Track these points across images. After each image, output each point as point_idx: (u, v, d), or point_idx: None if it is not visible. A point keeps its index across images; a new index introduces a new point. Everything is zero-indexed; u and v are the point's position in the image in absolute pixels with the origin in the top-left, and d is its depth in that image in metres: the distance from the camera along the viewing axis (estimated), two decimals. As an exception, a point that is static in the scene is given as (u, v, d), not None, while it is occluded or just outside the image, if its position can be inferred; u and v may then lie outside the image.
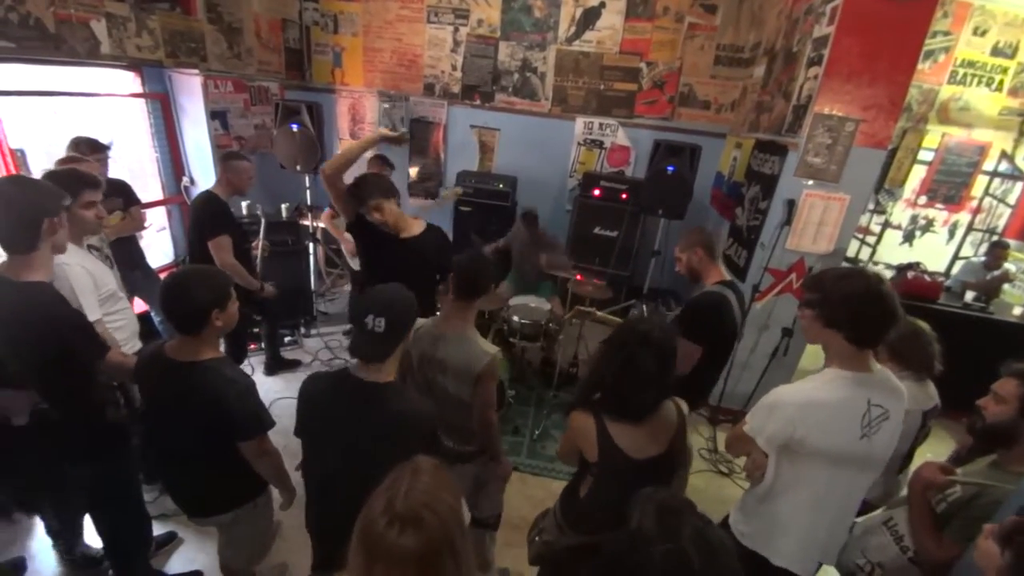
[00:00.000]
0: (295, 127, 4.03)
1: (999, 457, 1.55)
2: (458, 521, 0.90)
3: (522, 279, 4.21)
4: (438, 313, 2.10)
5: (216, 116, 4.13)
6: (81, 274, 1.81)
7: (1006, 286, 4.52)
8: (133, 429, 1.94)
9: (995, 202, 5.23)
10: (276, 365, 3.80)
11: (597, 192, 4.71)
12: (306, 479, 1.56)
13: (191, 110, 4.05)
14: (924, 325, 2.03)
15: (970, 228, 5.34)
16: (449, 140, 5.35)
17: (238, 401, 1.48)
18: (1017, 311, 4.20)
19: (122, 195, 3.03)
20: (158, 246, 4.16)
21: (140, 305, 3.11)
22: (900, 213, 5.36)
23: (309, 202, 4.37)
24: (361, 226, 2.47)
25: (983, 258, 4.70)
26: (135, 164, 3.97)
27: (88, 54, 3.05)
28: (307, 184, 4.41)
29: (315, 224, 4.42)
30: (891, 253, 5.39)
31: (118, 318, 2.02)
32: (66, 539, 2.21)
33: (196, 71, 3.88)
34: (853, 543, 1.77)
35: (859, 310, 1.36)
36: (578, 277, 3.83)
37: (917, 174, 5.13)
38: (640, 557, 0.83)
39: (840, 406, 1.41)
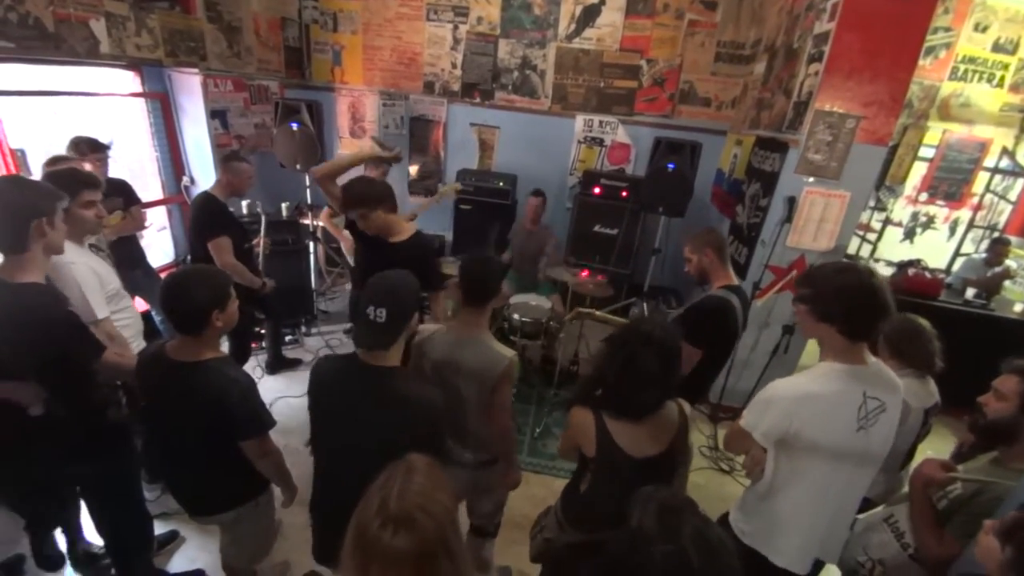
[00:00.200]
0: (295, 126, 4.03)
1: (1000, 454, 1.55)
2: (453, 521, 0.90)
3: (522, 277, 4.22)
4: (428, 316, 2.10)
5: (216, 115, 4.13)
6: (87, 273, 1.81)
7: (1007, 283, 4.51)
8: (135, 428, 1.95)
9: (996, 199, 5.22)
10: (278, 364, 3.80)
11: (597, 190, 4.70)
12: (315, 456, 1.61)
13: (191, 109, 4.05)
14: (925, 323, 2.03)
15: (971, 225, 5.33)
16: (449, 138, 5.35)
17: (239, 401, 1.49)
18: (1018, 308, 4.20)
19: (122, 195, 3.04)
20: (159, 245, 4.16)
21: (141, 304, 3.11)
22: (901, 210, 5.35)
23: (309, 201, 4.37)
24: (354, 225, 2.50)
25: (984, 255, 4.70)
26: (135, 164, 3.97)
27: (87, 53, 3.05)
28: (307, 183, 4.41)
29: (315, 223, 4.42)
30: (892, 250, 5.38)
31: (123, 316, 2.03)
32: (44, 536, 2.21)
33: (196, 70, 3.88)
34: (854, 540, 1.77)
35: (851, 303, 1.38)
36: (584, 273, 3.83)
37: (918, 171, 5.12)
38: (640, 557, 0.84)
39: (835, 398, 1.42)
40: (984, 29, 4.58)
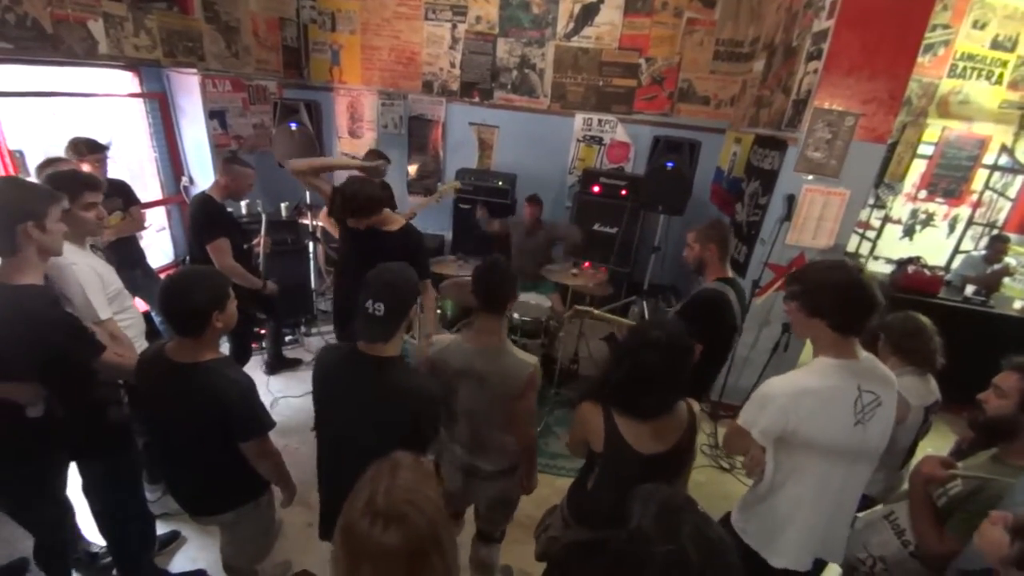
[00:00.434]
0: (294, 126, 4.03)
1: (1000, 451, 1.56)
2: (442, 515, 0.91)
3: (521, 276, 4.21)
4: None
5: (214, 115, 4.13)
6: (89, 274, 1.82)
7: (1006, 280, 4.51)
8: (137, 428, 1.95)
9: (995, 196, 5.22)
10: (278, 364, 3.81)
11: (596, 188, 4.71)
12: (318, 440, 1.65)
13: (189, 109, 4.05)
14: (925, 320, 2.03)
15: (970, 222, 5.33)
16: (448, 138, 5.34)
17: (238, 402, 1.49)
18: (1017, 305, 4.20)
19: (122, 195, 3.04)
20: (158, 246, 4.16)
21: (141, 305, 3.11)
22: (900, 207, 5.35)
23: (308, 201, 4.37)
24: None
25: (983, 252, 4.70)
26: (134, 164, 3.96)
27: (86, 54, 3.04)
28: (306, 183, 4.41)
29: (315, 223, 4.42)
30: (891, 247, 5.38)
31: (125, 317, 2.04)
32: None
33: (194, 70, 3.87)
34: (854, 537, 1.77)
35: (841, 297, 1.40)
36: (585, 265, 3.83)
37: (917, 168, 5.11)
38: (640, 556, 0.84)
39: (831, 392, 1.42)
40: (983, 26, 4.58)
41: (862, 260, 5.42)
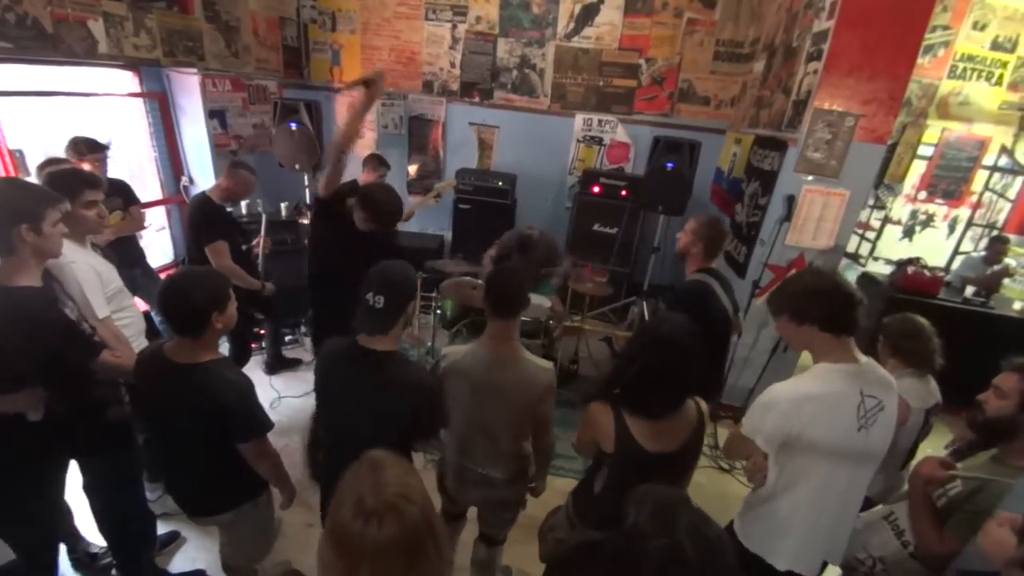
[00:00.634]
0: (294, 126, 4.03)
1: (1000, 451, 1.56)
2: (429, 500, 0.92)
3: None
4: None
5: (214, 115, 4.13)
6: (88, 272, 1.82)
7: (1006, 281, 4.51)
8: (137, 426, 1.95)
9: (995, 197, 5.22)
10: (277, 364, 3.80)
11: (596, 189, 4.71)
12: (322, 432, 1.69)
13: (189, 109, 4.04)
14: (924, 321, 2.03)
15: (970, 223, 5.33)
16: (448, 138, 5.34)
17: (236, 403, 1.48)
18: (1017, 306, 4.20)
19: (122, 195, 3.03)
20: (158, 245, 4.16)
21: (141, 304, 3.11)
22: (900, 208, 5.35)
23: (308, 201, 4.37)
24: (329, 208, 2.54)
25: (983, 253, 4.70)
26: (134, 164, 3.96)
27: (86, 54, 3.05)
28: (306, 183, 4.41)
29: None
30: (891, 248, 5.38)
31: (125, 316, 2.04)
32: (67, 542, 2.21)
33: (194, 70, 3.87)
34: (854, 538, 1.77)
35: (821, 295, 1.44)
36: (585, 269, 3.83)
37: (917, 169, 5.12)
38: (636, 553, 0.84)
39: (834, 398, 1.42)
40: (983, 27, 4.58)
41: (861, 261, 5.43)
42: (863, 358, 1.47)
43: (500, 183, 4.87)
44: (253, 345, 3.83)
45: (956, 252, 5.39)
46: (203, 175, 4.19)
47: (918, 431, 2.00)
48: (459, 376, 1.70)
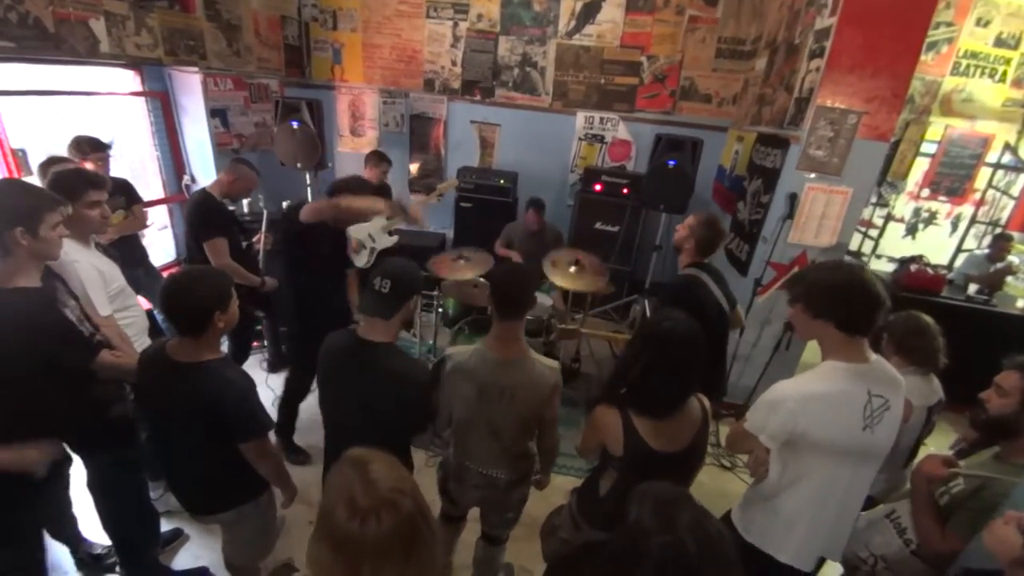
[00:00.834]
0: (295, 124, 4.03)
1: (1002, 449, 1.56)
2: (417, 487, 0.93)
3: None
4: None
5: (216, 114, 4.13)
6: (91, 271, 1.82)
7: (1009, 279, 4.50)
8: (140, 425, 1.95)
9: (998, 194, 5.21)
10: (279, 362, 3.81)
11: (598, 187, 4.70)
12: (322, 412, 1.78)
13: (191, 108, 4.05)
14: (928, 319, 2.03)
15: (973, 221, 5.32)
16: (449, 136, 5.34)
17: (237, 403, 1.49)
18: (1020, 304, 4.19)
19: (124, 194, 3.04)
20: (160, 244, 4.17)
21: (144, 303, 3.12)
22: (903, 206, 5.34)
23: (310, 199, 4.37)
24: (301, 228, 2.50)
25: (986, 251, 4.68)
26: (136, 163, 3.97)
27: (87, 53, 3.05)
28: (307, 181, 4.41)
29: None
30: (894, 246, 5.37)
31: (128, 315, 2.04)
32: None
33: (195, 69, 3.88)
34: (856, 536, 1.77)
35: (844, 296, 1.39)
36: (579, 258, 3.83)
37: (920, 167, 5.10)
38: (638, 549, 0.84)
39: (841, 397, 1.41)
40: (986, 24, 4.55)
41: (864, 259, 5.41)
42: (873, 356, 1.45)
43: (501, 181, 4.87)
44: (255, 344, 3.84)
45: (959, 250, 5.37)
46: (205, 174, 4.20)
47: (920, 429, 2.00)
48: (465, 377, 1.68)
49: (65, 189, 1.76)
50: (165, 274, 3.37)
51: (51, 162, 2.56)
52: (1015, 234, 4.84)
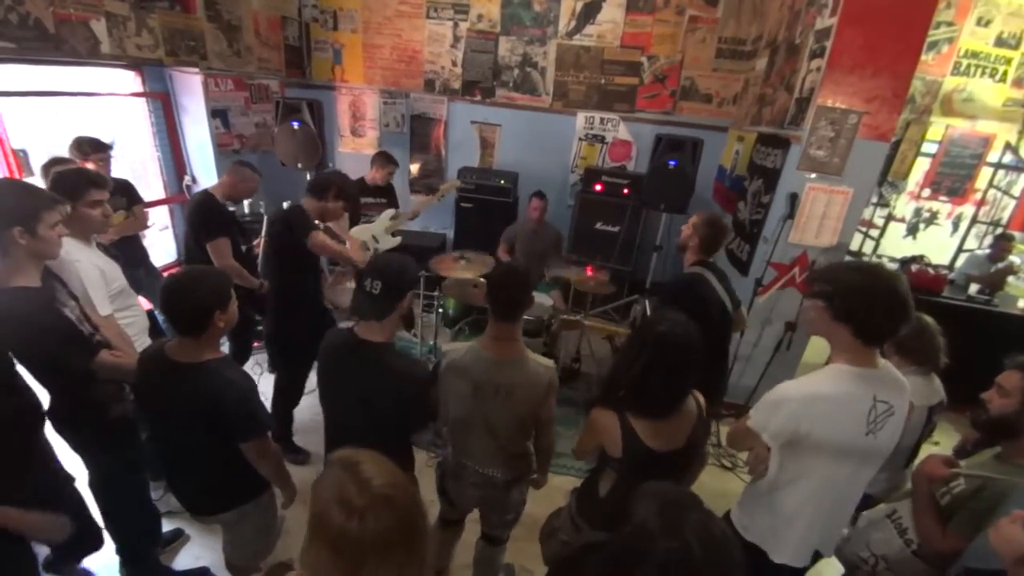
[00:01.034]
0: (296, 125, 4.03)
1: (1003, 449, 1.55)
2: (405, 479, 0.94)
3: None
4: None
5: (217, 114, 4.13)
6: (91, 270, 1.83)
7: (1010, 279, 4.49)
8: (141, 426, 1.96)
9: (999, 194, 5.20)
10: (279, 363, 3.80)
11: (599, 187, 4.70)
12: (323, 408, 1.77)
13: (192, 109, 4.05)
14: (929, 319, 2.03)
15: (974, 220, 5.31)
16: (450, 136, 5.34)
17: (237, 403, 1.49)
18: (1021, 304, 4.18)
19: (125, 194, 3.04)
20: (161, 245, 4.17)
21: (144, 303, 3.12)
22: (904, 206, 5.33)
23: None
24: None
25: (987, 251, 4.68)
26: (137, 163, 3.98)
27: (88, 54, 3.05)
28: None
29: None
30: (895, 246, 5.36)
31: (129, 315, 2.05)
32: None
33: (196, 69, 3.88)
34: (857, 536, 1.78)
35: (873, 307, 1.32)
36: (588, 270, 3.83)
37: (921, 166, 5.09)
38: (642, 552, 0.84)
39: (845, 401, 1.40)
40: (987, 24, 4.55)
41: (865, 259, 5.41)
42: (882, 362, 1.42)
43: (502, 182, 4.87)
44: (256, 344, 3.84)
45: (960, 250, 5.37)
46: (206, 174, 4.20)
47: (921, 429, 2.00)
48: (460, 374, 1.68)
49: (67, 188, 1.76)
50: (166, 275, 3.37)
51: (54, 163, 2.57)
52: (1016, 234, 4.84)
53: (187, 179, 4.24)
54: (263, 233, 3.48)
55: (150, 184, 4.02)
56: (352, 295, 1.61)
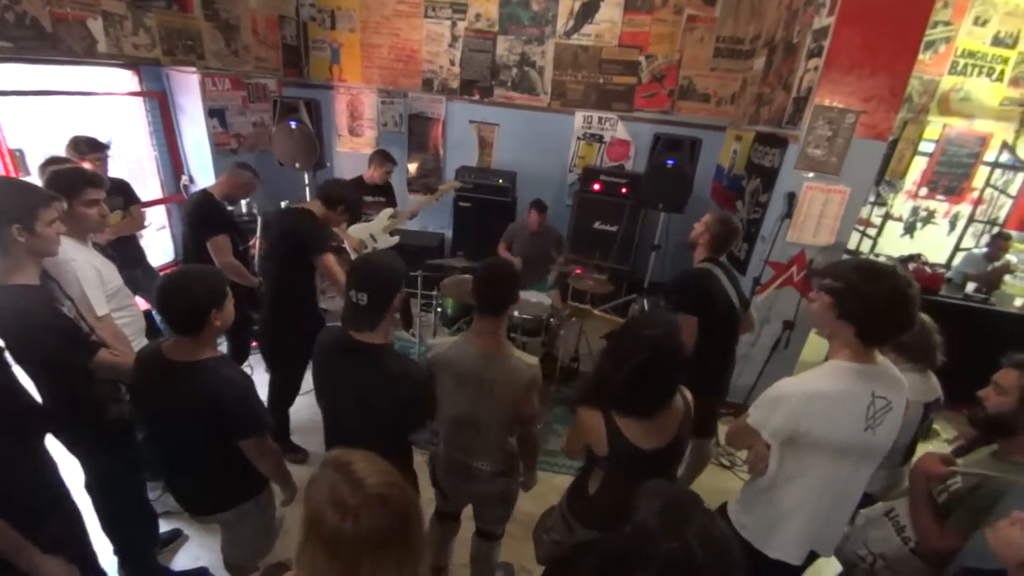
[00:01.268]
0: (293, 124, 4.02)
1: (1000, 447, 1.56)
2: (398, 475, 0.93)
3: (527, 278, 4.21)
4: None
5: (214, 114, 4.13)
6: (88, 270, 1.82)
7: (1007, 277, 4.51)
8: (138, 426, 1.95)
9: (996, 193, 5.22)
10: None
11: (597, 186, 4.70)
12: (320, 406, 1.74)
13: (189, 108, 4.04)
14: (926, 317, 2.02)
15: (971, 219, 5.33)
16: (448, 136, 5.34)
17: (236, 401, 1.49)
18: (1018, 302, 4.20)
19: (122, 194, 3.03)
20: (158, 245, 4.16)
21: (142, 303, 3.11)
22: (901, 205, 5.35)
23: (308, 199, 4.36)
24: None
25: (984, 249, 4.69)
26: (134, 163, 3.96)
27: (85, 53, 3.04)
28: (306, 181, 4.41)
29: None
30: (892, 245, 5.38)
31: (125, 315, 2.04)
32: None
33: (193, 69, 3.87)
34: (855, 534, 1.78)
35: (881, 313, 1.33)
36: (577, 271, 3.83)
37: (918, 166, 5.11)
38: (643, 552, 0.84)
39: (844, 397, 1.40)
40: (984, 23, 4.56)
41: (863, 258, 5.43)
42: (880, 358, 1.44)
43: (500, 181, 4.87)
44: (254, 344, 3.83)
45: (957, 249, 5.38)
46: (203, 174, 4.19)
47: (917, 426, 2.00)
48: (444, 368, 1.72)
49: (63, 187, 1.75)
50: (163, 274, 3.36)
51: (51, 162, 2.55)
52: (1013, 233, 4.86)
53: (184, 179, 4.23)
54: (258, 233, 3.47)
55: (147, 184, 4.01)
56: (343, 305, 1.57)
